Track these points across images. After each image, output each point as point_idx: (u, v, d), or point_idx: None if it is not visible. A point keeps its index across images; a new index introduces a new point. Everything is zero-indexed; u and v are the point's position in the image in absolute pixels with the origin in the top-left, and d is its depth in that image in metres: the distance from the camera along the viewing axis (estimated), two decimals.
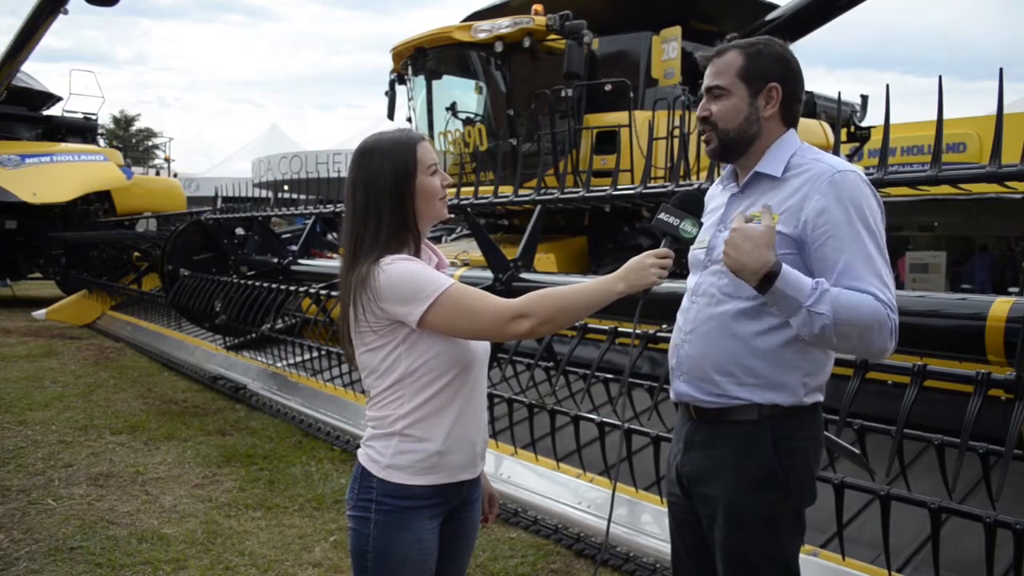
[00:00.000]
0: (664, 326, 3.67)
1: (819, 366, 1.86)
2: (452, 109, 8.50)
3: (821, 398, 1.89)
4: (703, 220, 2.01)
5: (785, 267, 1.71)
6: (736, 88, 1.87)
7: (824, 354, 1.87)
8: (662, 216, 1.93)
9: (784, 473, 1.82)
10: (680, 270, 2.07)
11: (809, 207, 1.77)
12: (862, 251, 1.73)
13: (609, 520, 2.05)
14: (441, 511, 1.82)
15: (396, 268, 1.72)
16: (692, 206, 1.94)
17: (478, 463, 1.88)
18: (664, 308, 2.38)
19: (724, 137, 1.90)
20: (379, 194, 1.78)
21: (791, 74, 1.90)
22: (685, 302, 1.98)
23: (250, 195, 8.80)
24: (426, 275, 1.73)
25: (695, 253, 1.99)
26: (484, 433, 1.89)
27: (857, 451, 2.50)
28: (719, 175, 2.10)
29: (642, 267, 1.80)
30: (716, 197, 2.04)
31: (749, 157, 1.90)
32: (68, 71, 32.53)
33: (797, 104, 1.93)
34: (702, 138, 1.96)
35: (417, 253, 1.81)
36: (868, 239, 1.75)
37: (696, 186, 3.32)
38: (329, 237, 7.81)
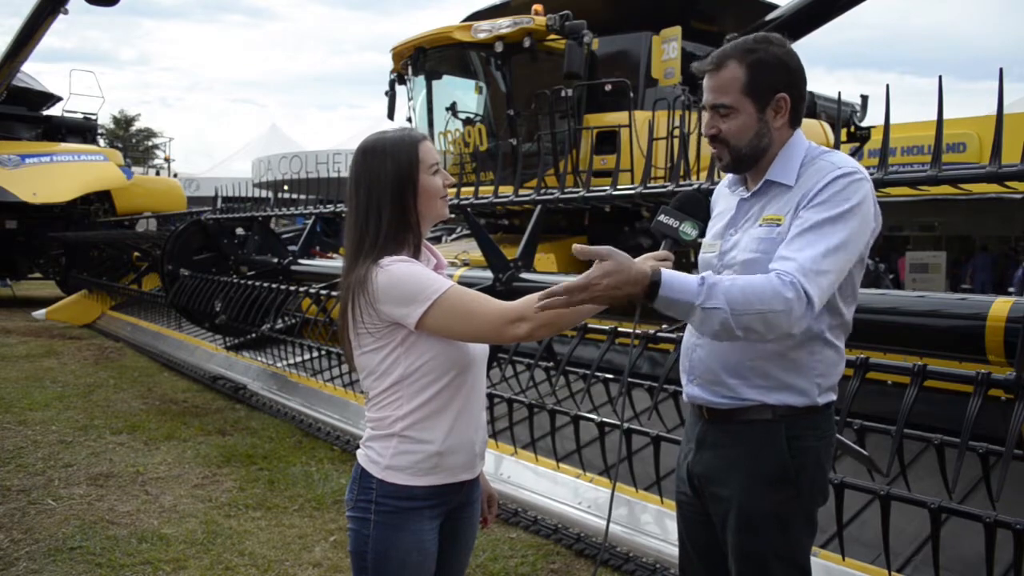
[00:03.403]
0: (664, 326, 3.67)
1: (831, 367, 1.85)
2: (452, 109, 8.50)
3: (834, 397, 1.89)
4: (710, 222, 2.00)
5: (666, 272, 1.64)
6: (743, 105, 1.82)
7: (836, 354, 1.86)
8: (662, 218, 1.92)
9: (796, 472, 1.82)
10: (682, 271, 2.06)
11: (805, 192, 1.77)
12: (818, 229, 1.69)
13: (608, 520, 2.04)
14: (441, 512, 1.82)
15: (394, 269, 1.72)
16: (693, 208, 1.92)
17: (477, 463, 1.88)
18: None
19: (737, 154, 1.86)
20: (381, 193, 1.78)
21: (795, 77, 1.85)
22: None
23: (250, 195, 8.80)
24: (425, 277, 1.73)
25: (706, 257, 1.98)
26: (483, 433, 1.89)
27: (866, 452, 2.50)
28: (720, 176, 2.09)
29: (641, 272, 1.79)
30: (723, 199, 2.02)
31: (760, 166, 1.88)
32: (69, 71, 32.54)
33: (803, 104, 1.90)
34: (713, 154, 1.93)
35: (416, 254, 1.81)
36: (833, 224, 1.69)
37: (696, 187, 3.32)
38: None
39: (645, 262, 1.80)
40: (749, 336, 1.66)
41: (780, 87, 1.83)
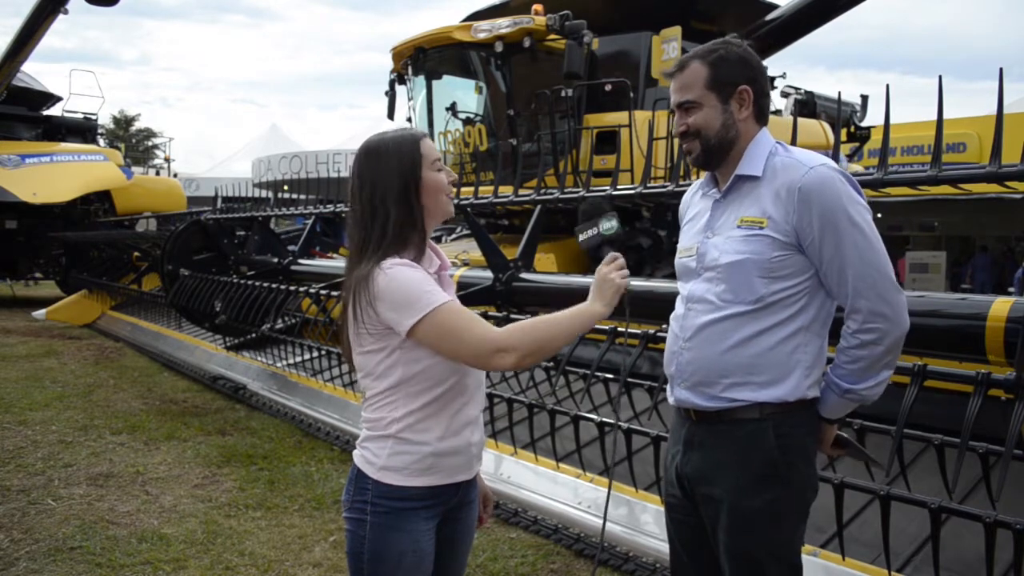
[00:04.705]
0: (664, 326, 3.66)
1: (818, 359, 1.89)
2: (452, 109, 8.49)
3: (819, 392, 1.92)
4: (684, 228, 2.05)
5: (829, 423, 1.91)
6: (707, 99, 1.89)
7: (822, 345, 1.90)
8: (582, 236, 1.97)
9: (786, 468, 1.84)
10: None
11: (793, 214, 1.80)
12: (860, 261, 1.78)
13: (604, 519, 2.05)
14: (437, 512, 1.81)
15: (395, 274, 1.70)
16: (596, 211, 1.97)
17: (474, 464, 1.87)
18: (661, 308, 2.39)
19: (706, 145, 1.92)
20: (385, 192, 1.77)
21: (756, 73, 1.93)
22: (680, 309, 1.98)
23: (250, 195, 8.80)
24: (422, 288, 1.71)
25: (684, 261, 2.00)
26: (480, 434, 1.88)
27: (863, 447, 2.50)
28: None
29: (605, 281, 1.83)
30: (695, 204, 2.05)
31: (729, 161, 1.93)
32: (69, 71, 32.54)
33: (767, 100, 1.96)
34: (683, 148, 1.99)
35: (420, 254, 1.80)
36: (857, 238, 1.78)
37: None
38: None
39: (602, 272, 1.85)
40: (894, 354, 1.83)
41: (741, 80, 1.90)
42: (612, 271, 1.83)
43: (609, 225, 1.93)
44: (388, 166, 1.78)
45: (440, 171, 1.83)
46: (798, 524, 1.90)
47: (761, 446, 1.83)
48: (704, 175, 2.06)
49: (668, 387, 2.02)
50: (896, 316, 1.78)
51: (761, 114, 1.93)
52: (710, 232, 1.93)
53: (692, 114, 1.91)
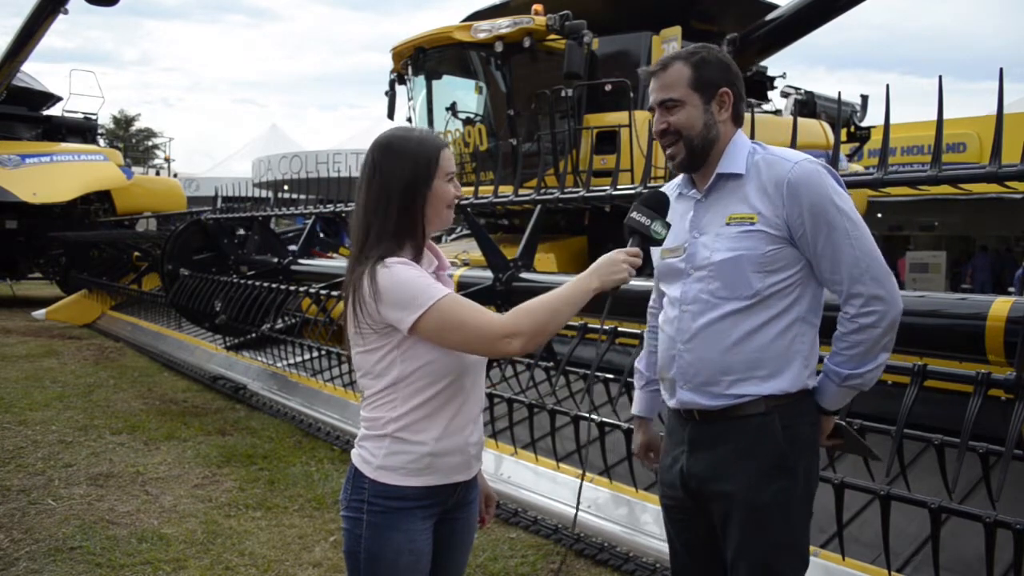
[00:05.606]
0: None
1: (813, 348, 1.92)
2: (452, 109, 8.49)
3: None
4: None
5: (823, 404, 1.91)
6: (690, 98, 1.91)
7: (815, 335, 1.93)
8: (635, 216, 1.92)
9: (794, 459, 1.87)
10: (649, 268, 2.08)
11: (783, 208, 1.83)
12: (853, 248, 1.81)
13: (577, 508, 2.05)
14: (434, 512, 1.81)
15: (394, 272, 1.70)
16: (658, 206, 1.93)
17: (473, 464, 1.86)
18: (639, 306, 2.41)
19: (689, 145, 1.93)
20: (392, 189, 1.77)
21: (735, 76, 1.96)
22: (672, 312, 1.98)
23: (250, 195, 8.80)
24: (421, 283, 1.71)
25: (671, 262, 1.99)
26: (479, 435, 1.87)
27: (864, 441, 2.50)
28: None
29: (614, 263, 1.80)
30: (673, 207, 2.03)
31: (709, 162, 1.95)
32: (69, 71, 32.53)
33: (743, 104, 1.99)
34: (667, 152, 1.98)
35: (418, 256, 1.80)
36: (848, 227, 1.81)
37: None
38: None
39: (616, 256, 1.82)
40: (892, 335, 1.85)
41: (723, 83, 1.94)
42: (627, 261, 1.81)
43: (660, 230, 1.89)
44: (403, 164, 1.78)
45: (451, 183, 1.83)
46: (806, 515, 1.93)
47: (769, 439, 1.85)
48: (681, 177, 2.06)
49: (666, 391, 2.02)
50: (891, 298, 1.81)
51: (738, 117, 1.97)
52: (696, 232, 1.94)
53: (674, 113, 1.92)
